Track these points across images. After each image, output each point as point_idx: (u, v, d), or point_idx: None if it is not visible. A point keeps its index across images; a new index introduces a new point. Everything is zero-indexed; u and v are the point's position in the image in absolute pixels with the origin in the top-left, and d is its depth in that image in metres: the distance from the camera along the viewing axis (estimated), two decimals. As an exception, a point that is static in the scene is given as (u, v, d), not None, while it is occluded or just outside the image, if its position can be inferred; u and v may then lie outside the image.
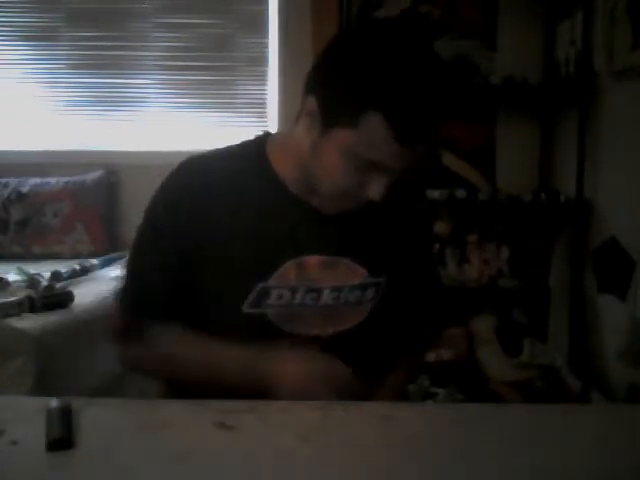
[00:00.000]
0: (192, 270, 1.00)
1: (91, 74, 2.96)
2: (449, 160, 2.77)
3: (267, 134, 1.08)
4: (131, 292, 1.05)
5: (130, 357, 1.08)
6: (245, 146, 1.07)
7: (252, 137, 1.08)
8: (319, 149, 0.94)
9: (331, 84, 0.91)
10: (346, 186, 0.94)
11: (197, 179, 1.01)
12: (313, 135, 0.94)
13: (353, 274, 1.04)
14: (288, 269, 1.00)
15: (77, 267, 2.24)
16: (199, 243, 0.99)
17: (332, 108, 0.91)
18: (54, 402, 0.82)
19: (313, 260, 1.01)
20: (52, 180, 2.82)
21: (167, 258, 1.00)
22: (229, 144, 1.08)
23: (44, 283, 2.00)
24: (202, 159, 1.04)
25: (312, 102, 0.93)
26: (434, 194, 2.50)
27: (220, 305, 1.00)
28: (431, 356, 2.55)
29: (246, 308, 0.99)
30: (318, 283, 1.01)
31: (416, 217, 1.16)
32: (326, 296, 1.02)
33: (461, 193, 2.52)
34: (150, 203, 1.05)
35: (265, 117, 2.98)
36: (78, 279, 2.19)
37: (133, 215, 1.13)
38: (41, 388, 1.62)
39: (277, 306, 1.00)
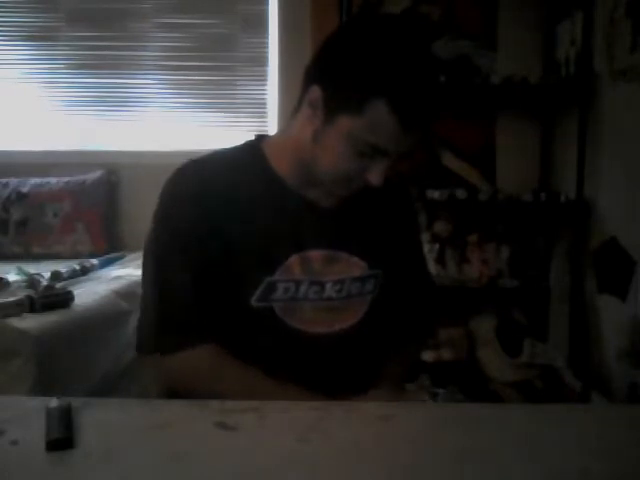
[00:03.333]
0: (207, 271, 1.00)
1: (91, 74, 2.97)
2: (449, 160, 2.77)
3: (260, 136, 1.11)
4: (167, 307, 1.02)
5: (166, 376, 1.05)
6: (240, 148, 1.09)
7: (243, 141, 1.10)
8: (322, 136, 0.96)
9: (337, 72, 0.94)
10: (347, 170, 0.97)
11: (197, 182, 1.02)
12: (315, 123, 0.97)
13: (353, 266, 1.06)
14: (292, 263, 1.02)
15: (77, 267, 2.24)
16: (210, 244, 0.99)
17: (337, 96, 0.94)
18: (54, 402, 0.82)
19: (316, 254, 1.04)
20: (52, 180, 2.82)
21: (192, 265, 1.00)
22: (226, 145, 1.10)
23: (44, 283, 1.99)
24: (198, 163, 1.05)
25: (316, 91, 0.96)
26: (434, 194, 2.50)
27: (230, 301, 1.01)
28: (431, 356, 2.55)
29: (254, 302, 1.00)
30: (321, 276, 1.04)
31: (407, 212, 1.21)
32: (329, 289, 1.04)
33: (461, 193, 2.52)
34: (159, 215, 1.03)
35: (265, 117, 2.98)
36: (78, 279, 2.19)
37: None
38: (41, 388, 1.62)
39: (283, 300, 1.01)
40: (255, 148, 1.07)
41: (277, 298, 1.01)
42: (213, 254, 0.99)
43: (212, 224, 0.99)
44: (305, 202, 1.04)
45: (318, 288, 1.03)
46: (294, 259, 1.02)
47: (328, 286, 1.04)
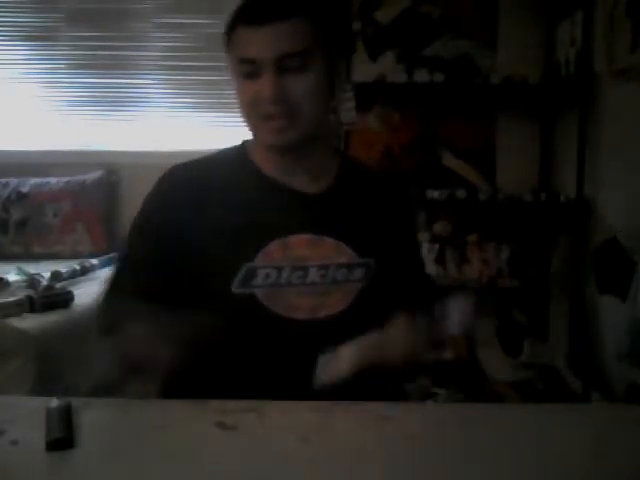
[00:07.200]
0: (181, 262, 1.02)
1: (91, 74, 2.96)
2: (449, 160, 2.77)
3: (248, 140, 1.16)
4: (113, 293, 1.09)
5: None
6: (228, 147, 1.16)
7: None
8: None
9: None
10: (247, 100, 1.02)
11: (175, 180, 1.09)
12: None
13: (339, 253, 1.06)
14: (273, 248, 1.03)
15: (77, 267, 2.24)
16: (187, 235, 1.02)
17: (228, 60, 1.04)
18: (54, 402, 0.82)
19: (298, 239, 1.04)
20: (52, 180, 2.82)
21: (154, 255, 1.04)
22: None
23: (44, 283, 1.99)
24: (185, 163, 1.11)
25: None
26: (434, 194, 2.50)
27: (210, 289, 1.03)
28: (431, 356, 2.55)
29: (235, 288, 1.01)
30: (304, 262, 1.04)
31: (400, 206, 1.20)
32: (313, 274, 1.04)
33: (461, 193, 2.52)
34: (140, 208, 1.11)
35: (265, 117, 2.97)
36: (78, 279, 2.19)
37: (133, 215, 1.15)
38: (41, 388, 1.62)
39: (265, 286, 1.02)
40: (239, 146, 1.14)
41: (258, 284, 1.02)
42: (182, 246, 1.02)
43: (184, 217, 1.03)
44: (288, 189, 1.07)
45: (301, 273, 1.03)
46: (274, 245, 1.03)
47: (312, 271, 1.04)
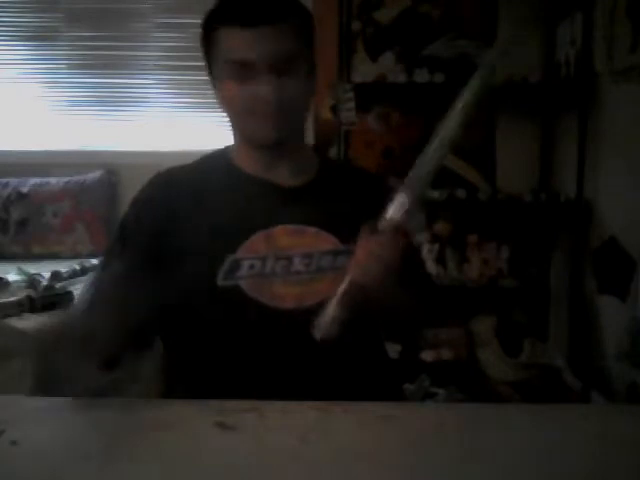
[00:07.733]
0: (167, 259, 1.04)
1: (91, 74, 2.96)
2: (449, 160, 2.77)
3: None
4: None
5: None
6: (212, 151, 1.19)
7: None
8: (217, 97, 1.10)
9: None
10: (243, 102, 1.04)
11: (158, 183, 1.14)
12: (215, 93, 1.11)
13: (323, 241, 1.08)
14: (256, 240, 1.05)
15: (77, 267, 2.25)
16: (172, 233, 1.05)
17: (206, 59, 1.09)
18: None
19: (281, 230, 1.06)
20: (52, 180, 2.82)
21: (140, 254, 1.05)
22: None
23: (44, 283, 2.00)
24: (174, 166, 1.15)
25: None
26: (434, 194, 2.50)
27: (196, 284, 1.04)
28: (431, 356, 2.55)
29: (220, 281, 1.02)
30: (288, 251, 1.05)
31: (380, 193, 1.19)
32: (297, 263, 1.05)
33: (461, 193, 2.52)
34: (127, 209, 1.16)
35: (265, 117, 2.97)
36: (78, 279, 2.19)
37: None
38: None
39: (249, 277, 1.03)
40: (222, 150, 1.17)
41: (243, 275, 1.03)
42: (168, 244, 1.04)
43: (169, 216, 1.06)
44: (268, 183, 1.10)
45: (285, 262, 1.05)
46: (257, 237, 1.05)
47: (296, 260, 1.05)
